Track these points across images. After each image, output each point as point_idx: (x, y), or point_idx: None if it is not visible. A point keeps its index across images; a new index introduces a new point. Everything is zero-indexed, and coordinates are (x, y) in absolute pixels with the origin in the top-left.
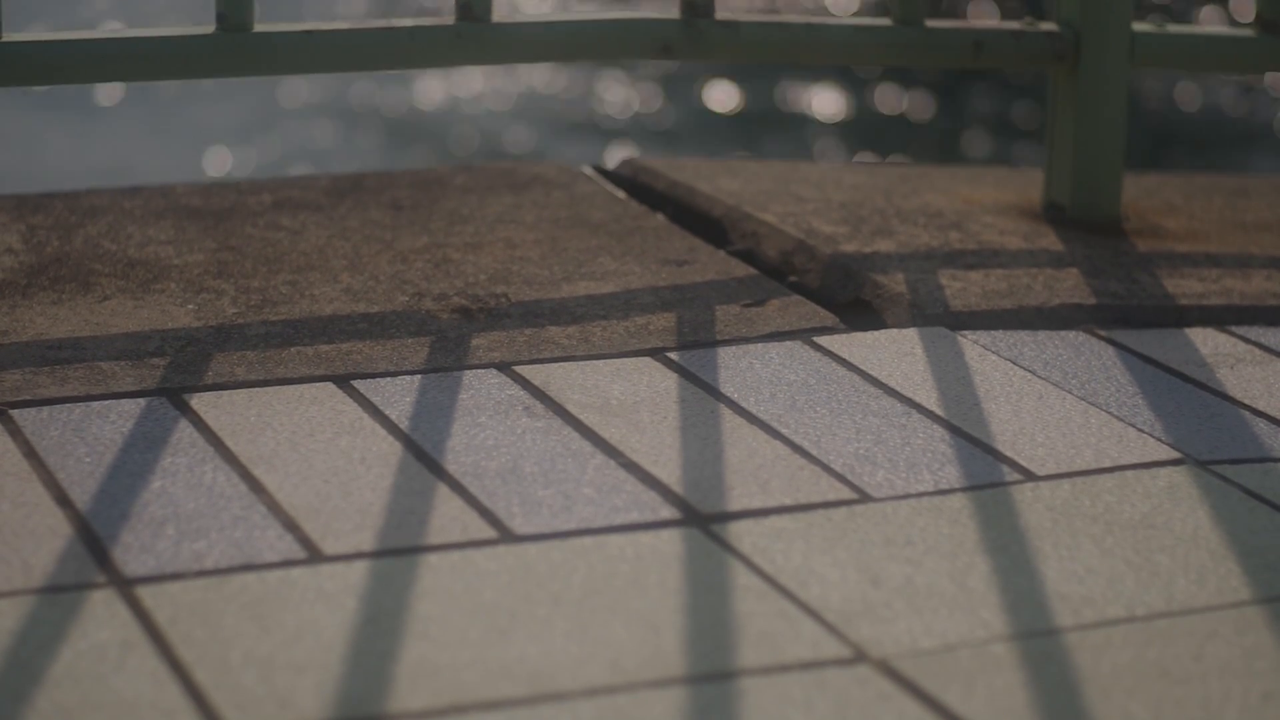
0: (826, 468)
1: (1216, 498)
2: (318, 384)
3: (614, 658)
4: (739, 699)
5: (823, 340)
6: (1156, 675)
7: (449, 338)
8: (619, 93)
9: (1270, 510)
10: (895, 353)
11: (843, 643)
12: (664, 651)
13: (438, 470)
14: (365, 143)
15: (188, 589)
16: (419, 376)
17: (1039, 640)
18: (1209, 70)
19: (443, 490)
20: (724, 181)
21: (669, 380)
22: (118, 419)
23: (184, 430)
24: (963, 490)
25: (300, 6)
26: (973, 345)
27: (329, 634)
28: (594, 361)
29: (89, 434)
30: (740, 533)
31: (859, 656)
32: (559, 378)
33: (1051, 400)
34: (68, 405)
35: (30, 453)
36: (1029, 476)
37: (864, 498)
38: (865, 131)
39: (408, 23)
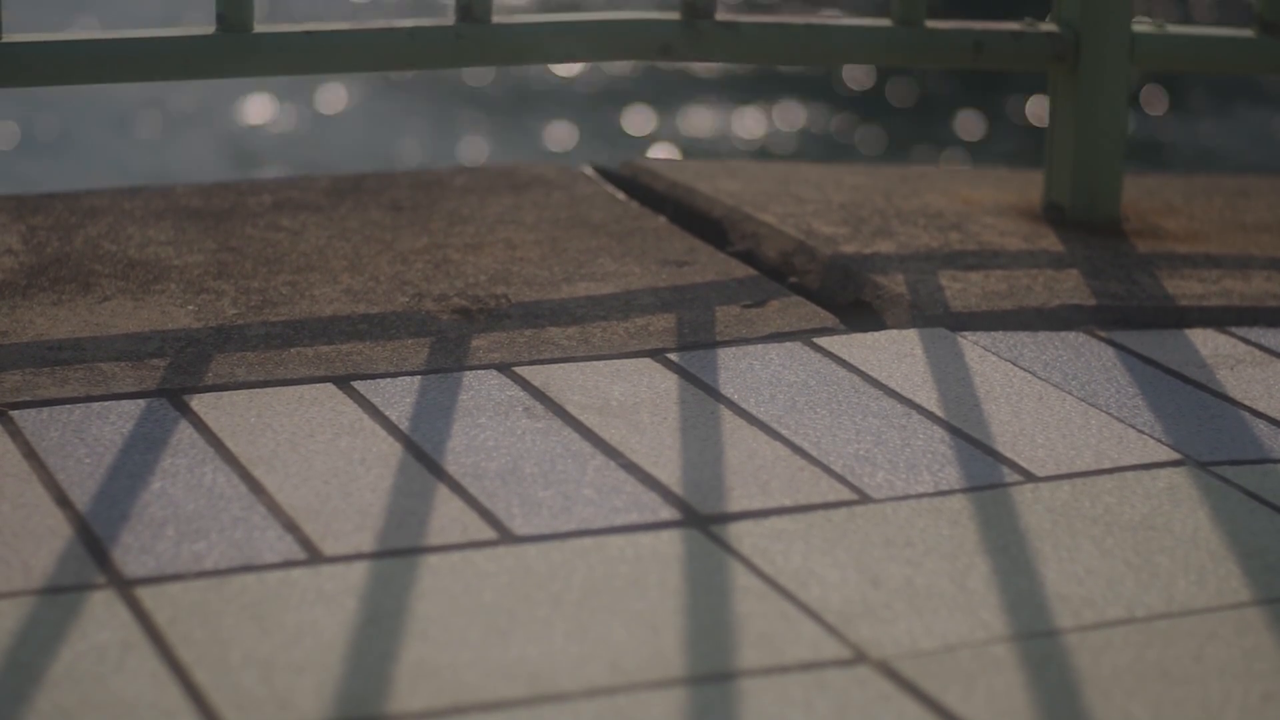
0: (826, 469)
1: (1216, 499)
2: (318, 385)
3: (614, 658)
4: (739, 700)
5: (823, 341)
6: (1156, 676)
7: (449, 338)
8: (620, 93)
9: (1270, 511)
10: (895, 354)
11: (843, 643)
12: (664, 652)
13: (438, 471)
14: (365, 143)
15: (187, 590)
16: (419, 377)
17: (1039, 641)
18: (1209, 70)
19: (443, 491)
20: (724, 182)
21: (669, 381)
22: (118, 420)
23: (184, 431)
24: (963, 491)
25: (325, 8)
26: (973, 346)
27: (329, 635)
28: (594, 362)
29: (89, 435)
30: (740, 534)
31: (859, 657)
32: (559, 378)
33: (1051, 401)
34: (68, 406)
35: (30, 453)
36: (1029, 477)
37: (864, 499)
38: (865, 132)
39: (408, 23)
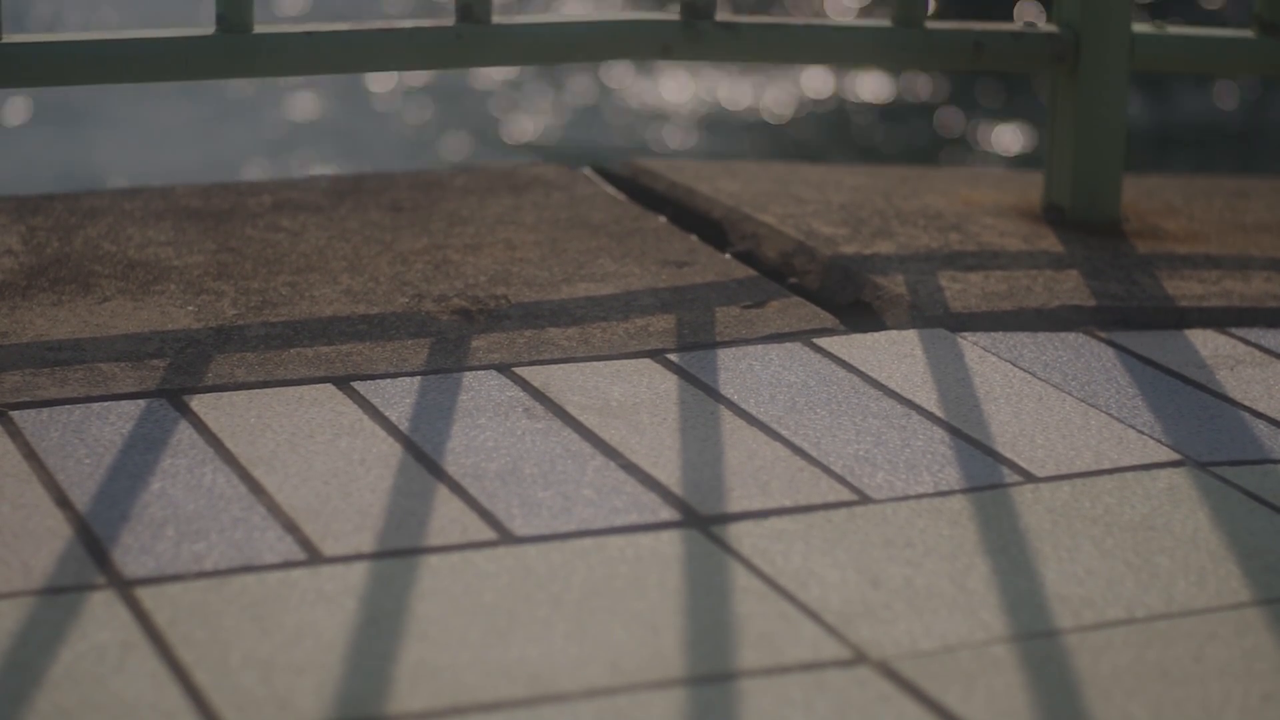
0: (826, 469)
1: (1216, 499)
2: (318, 385)
3: (614, 659)
4: (739, 700)
5: (822, 342)
6: (1156, 677)
7: (449, 339)
8: (620, 94)
9: (1270, 512)
10: (895, 354)
11: (842, 644)
12: (664, 653)
13: (437, 472)
14: (364, 143)
15: (187, 590)
16: (419, 378)
17: (1039, 642)
18: (1209, 71)
19: (442, 492)
20: (724, 183)
21: (669, 382)
22: (118, 420)
23: (184, 431)
24: (962, 492)
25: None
26: (973, 347)
27: (329, 635)
28: (594, 363)
29: (89, 435)
30: (740, 534)
31: (859, 658)
32: (559, 379)
33: (1051, 402)
34: (68, 406)
35: (30, 454)
36: (1029, 478)
37: (864, 499)
38: (865, 133)
39: (408, 24)
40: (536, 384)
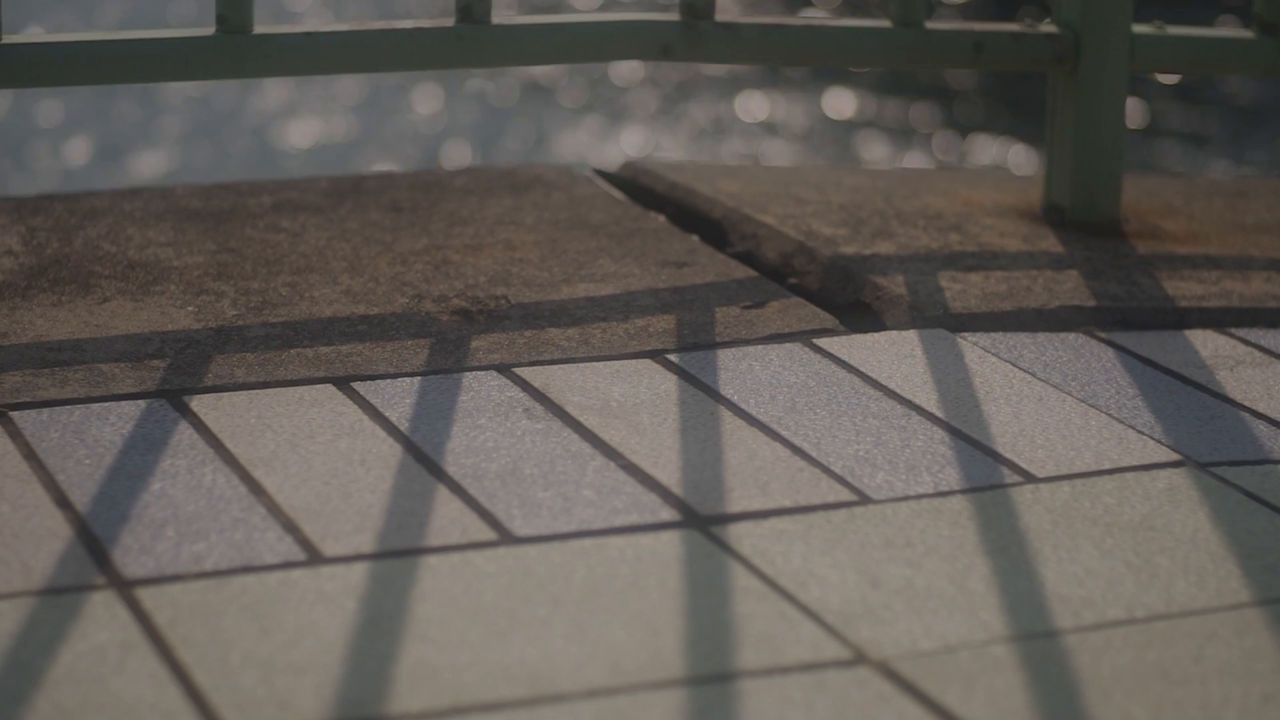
0: (826, 469)
1: (1216, 500)
2: (318, 386)
3: (614, 659)
4: (739, 701)
5: (822, 342)
6: (1156, 677)
7: (449, 339)
8: (619, 94)
9: (1270, 512)
10: (895, 355)
11: (842, 644)
12: (664, 653)
13: (437, 472)
14: (364, 144)
15: (187, 590)
16: (419, 378)
17: (1039, 642)
18: (1209, 71)
19: (442, 492)
20: (724, 183)
21: (669, 382)
22: (117, 421)
23: (184, 432)
24: (962, 492)
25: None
26: (973, 347)
27: (329, 635)
28: (594, 363)
29: (89, 436)
30: (740, 534)
31: (859, 658)
32: (559, 379)
33: (1051, 402)
34: (67, 407)
35: (30, 454)
36: (1029, 478)
37: (864, 499)
38: (865, 133)
39: (408, 24)
40: (536, 384)
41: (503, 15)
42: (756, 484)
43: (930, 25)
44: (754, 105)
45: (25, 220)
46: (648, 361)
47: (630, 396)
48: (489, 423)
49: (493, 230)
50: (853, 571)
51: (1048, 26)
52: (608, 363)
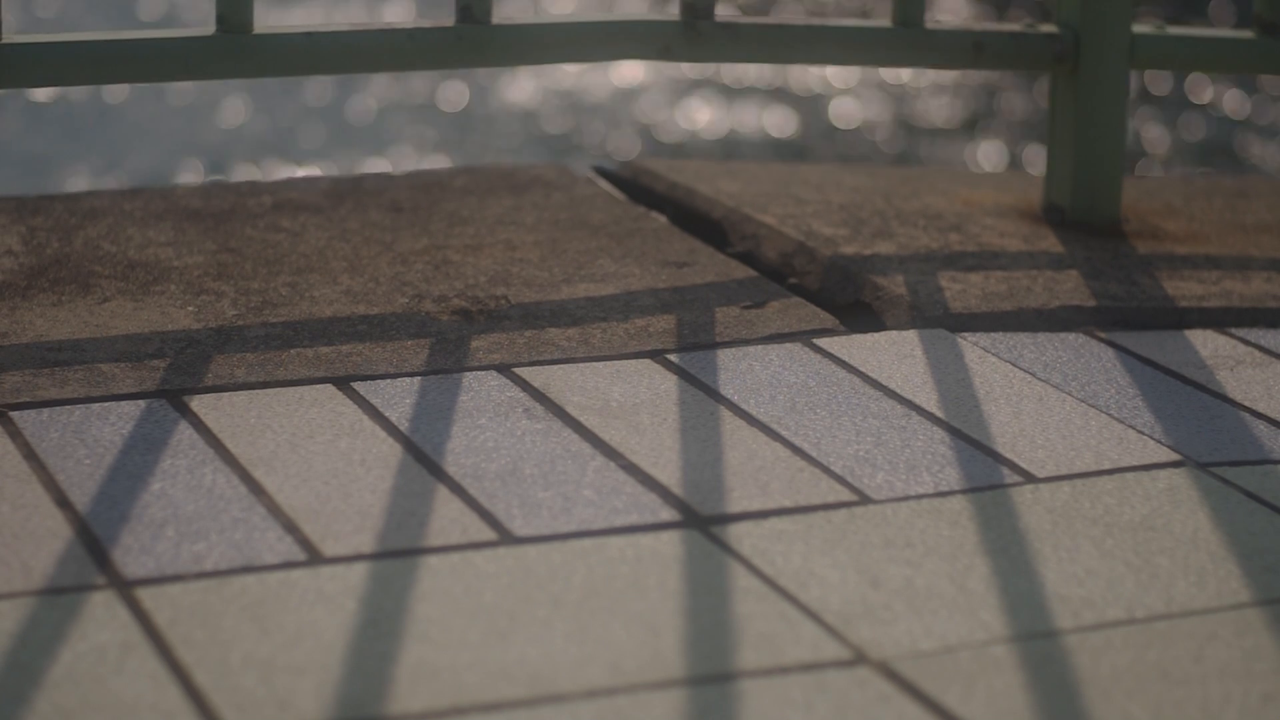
0: (826, 470)
1: (1216, 500)
2: (318, 386)
3: (614, 659)
4: (739, 701)
5: (822, 342)
6: (1156, 677)
7: (449, 339)
8: (619, 94)
9: (1270, 512)
10: (895, 355)
11: (842, 644)
12: (664, 653)
13: (437, 472)
14: (363, 144)
15: (187, 591)
16: (419, 378)
17: (1039, 642)
18: (1209, 71)
19: (442, 492)
20: (724, 183)
21: (669, 382)
22: (117, 421)
23: (184, 432)
24: (963, 492)
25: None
26: (973, 347)
27: (329, 636)
28: (594, 363)
29: (89, 436)
30: (740, 535)
31: (859, 658)
32: (559, 379)
33: (1051, 402)
34: (67, 407)
35: (30, 454)
36: (1029, 478)
37: (864, 500)
38: (865, 133)
39: (408, 24)
40: (536, 384)
41: (503, 15)
42: (756, 484)
43: (930, 25)
44: (754, 105)
45: (25, 220)
46: (648, 361)
47: (630, 396)
48: (489, 423)
49: (493, 230)
50: (853, 571)
51: (1048, 26)
52: (608, 363)
